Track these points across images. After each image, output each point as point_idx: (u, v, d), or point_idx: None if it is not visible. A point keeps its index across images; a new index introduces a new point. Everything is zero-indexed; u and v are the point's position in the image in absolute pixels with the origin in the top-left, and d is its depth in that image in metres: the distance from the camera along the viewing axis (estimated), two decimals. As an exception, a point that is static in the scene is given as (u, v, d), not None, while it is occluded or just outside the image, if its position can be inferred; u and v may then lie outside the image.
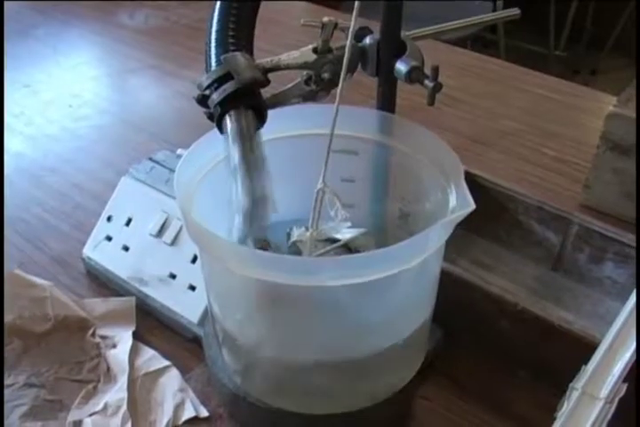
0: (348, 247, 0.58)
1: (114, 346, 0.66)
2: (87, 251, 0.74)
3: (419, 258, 0.45)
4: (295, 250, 0.58)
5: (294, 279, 0.44)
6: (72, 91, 1.13)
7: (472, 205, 0.45)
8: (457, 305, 0.61)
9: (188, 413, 0.60)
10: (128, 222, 0.72)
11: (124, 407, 0.60)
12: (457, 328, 0.65)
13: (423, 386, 0.63)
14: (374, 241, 0.59)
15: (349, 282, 0.43)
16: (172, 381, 0.63)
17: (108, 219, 0.73)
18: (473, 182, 0.71)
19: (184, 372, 0.64)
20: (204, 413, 0.60)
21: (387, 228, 0.62)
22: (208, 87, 0.47)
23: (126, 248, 0.71)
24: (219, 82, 0.47)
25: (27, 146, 0.99)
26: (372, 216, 0.62)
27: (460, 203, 0.47)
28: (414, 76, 0.53)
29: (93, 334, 0.67)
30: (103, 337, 0.67)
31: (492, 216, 0.74)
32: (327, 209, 0.52)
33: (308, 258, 0.53)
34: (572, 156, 0.94)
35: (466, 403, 0.62)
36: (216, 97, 0.46)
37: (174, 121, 1.04)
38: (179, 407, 0.60)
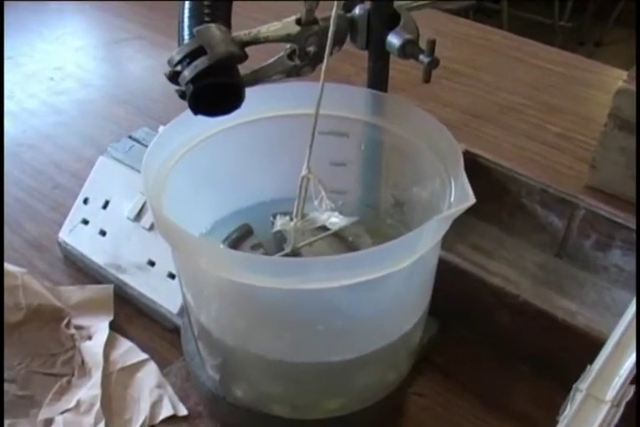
0: (339, 236, 0.54)
1: (89, 337, 0.63)
2: (63, 235, 0.71)
3: (411, 258, 0.41)
4: (280, 238, 0.54)
5: (271, 282, 0.40)
6: (55, 63, 1.08)
7: (472, 199, 0.41)
8: (454, 296, 0.59)
9: (166, 411, 0.57)
10: (105, 205, 0.68)
11: (98, 405, 0.57)
12: (454, 320, 0.62)
13: (417, 382, 0.60)
14: (366, 229, 0.55)
15: (333, 285, 0.40)
16: (149, 376, 0.60)
17: (85, 201, 0.69)
18: (472, 162, 0.68)
19: (163, 365, 0.61)
20: (183, 411, 0.57)
21: (380, 216, 0.59)
22: (179, 63, 0.43)
23: (103, 233, 0.68)
24: (191, 57, 0.42)
25: (5, 121, 0.94)
26: (365, 203, 0.59)
27: (458, 195, 0.44)
28: (408, 50, 0.49)
29: (68, 325, 0.64)
30: (78, 328, 0.64)
31: (493, 198, 0.70)
32: (312, 197, 0.48)
33: (288, 259, 0.49)
34: (577, 132, 0.91)
35: (463, 400, 0.59)
36: (187, 74, 0.42)
37: (162, 95, 0.99)
38: (156, 405, 0.57)
